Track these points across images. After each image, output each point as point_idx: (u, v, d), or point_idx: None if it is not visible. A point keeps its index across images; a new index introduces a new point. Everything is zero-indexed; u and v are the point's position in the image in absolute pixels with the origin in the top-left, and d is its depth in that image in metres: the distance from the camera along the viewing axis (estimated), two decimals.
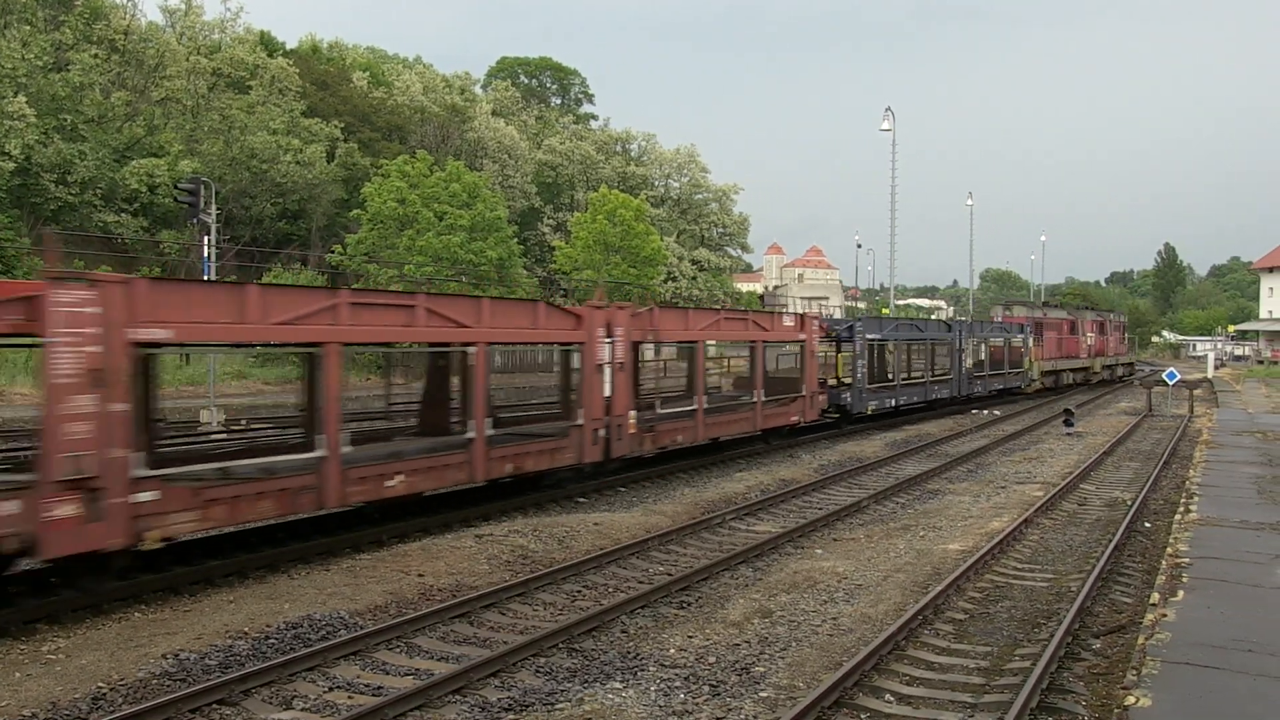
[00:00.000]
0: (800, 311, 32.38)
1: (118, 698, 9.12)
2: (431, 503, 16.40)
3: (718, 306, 28.57)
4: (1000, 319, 48.52)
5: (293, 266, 48.75)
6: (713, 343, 25.74)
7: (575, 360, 18.98)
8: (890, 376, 34.51)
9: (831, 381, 31.22)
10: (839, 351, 31.78)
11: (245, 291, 12.96)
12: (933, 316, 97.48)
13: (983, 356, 41.94)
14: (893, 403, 33.97)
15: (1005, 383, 44.39)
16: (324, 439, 13.80)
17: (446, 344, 16.67)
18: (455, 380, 17.41)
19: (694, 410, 22.53)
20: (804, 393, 27.24)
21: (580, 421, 18.67)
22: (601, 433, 19.15)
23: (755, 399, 25.01)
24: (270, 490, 13.14)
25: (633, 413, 20.13)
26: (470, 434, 16.25)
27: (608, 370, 19.25)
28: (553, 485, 19.21)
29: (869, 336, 32.37)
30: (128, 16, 49.59)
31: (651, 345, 23.21)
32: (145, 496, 11.54)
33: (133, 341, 11.47)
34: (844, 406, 31.10)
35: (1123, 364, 61.92)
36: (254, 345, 14.25)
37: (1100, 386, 57.82)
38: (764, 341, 25.76)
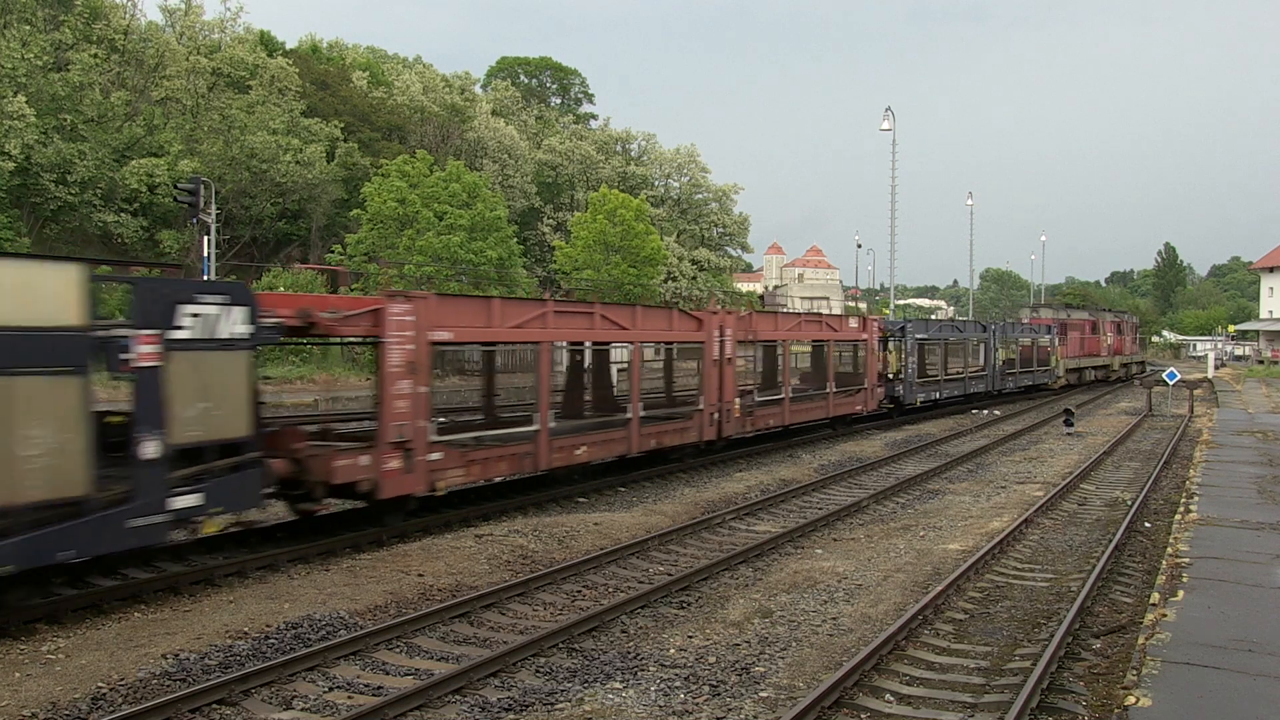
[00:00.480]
0: (864, 314, 38.31)
1: (118, 698, 9.12)
2: (431, 502, 16.39)
3: (800, 312, 34.19)
4: (1028, 320, 51.62)
5: (292, 267, 48.77)
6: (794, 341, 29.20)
7: (698, 355, 23.26)
8: (934, 372, 37.92)
9: (889, 376, 34.71)
10: (890, 349, 34.84)
11: (491, 304, 17.41)
12: (933, 316, 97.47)
13: (1013, 355, 45.46)
14: (937, 395, 37.58)
15: (1034, 379, 47.70)
16: (538, 416, 17.86)
17: (612, 343, 21.13)
18: (619, 371, 22.89)
19: (780, 399, 26.78)
20: (866, 385, 31.36)
21: (701, 407, 22.71)
22: (715, 416, 23.09)
23: (828, 390, 29.48)
24: (506, 455, 17.28)
25: (737, 400, 24.12)
26: (629, 415, 20.45)
27: (721, 364, 23.25)
28: (677, 459, 22.92)
29: (918, 336, 36.22)
30: (128, 16, 49.57)
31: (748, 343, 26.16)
32: (435, 456, 15.63)
33: (431, 341, 15.61)
34: (897, 398, 34.60)
35: (1135, 362, 65.83)
36: (496, 344, 19.12)
37: (1100, 386, 58.34)
38: (834, 340, 30.19)
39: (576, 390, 22.48)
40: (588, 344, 20.72)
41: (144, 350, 11.25)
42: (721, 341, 23.27)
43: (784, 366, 27.29)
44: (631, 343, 20.54)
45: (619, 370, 23.11)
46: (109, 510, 10.81)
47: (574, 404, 22.06)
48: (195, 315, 11.84)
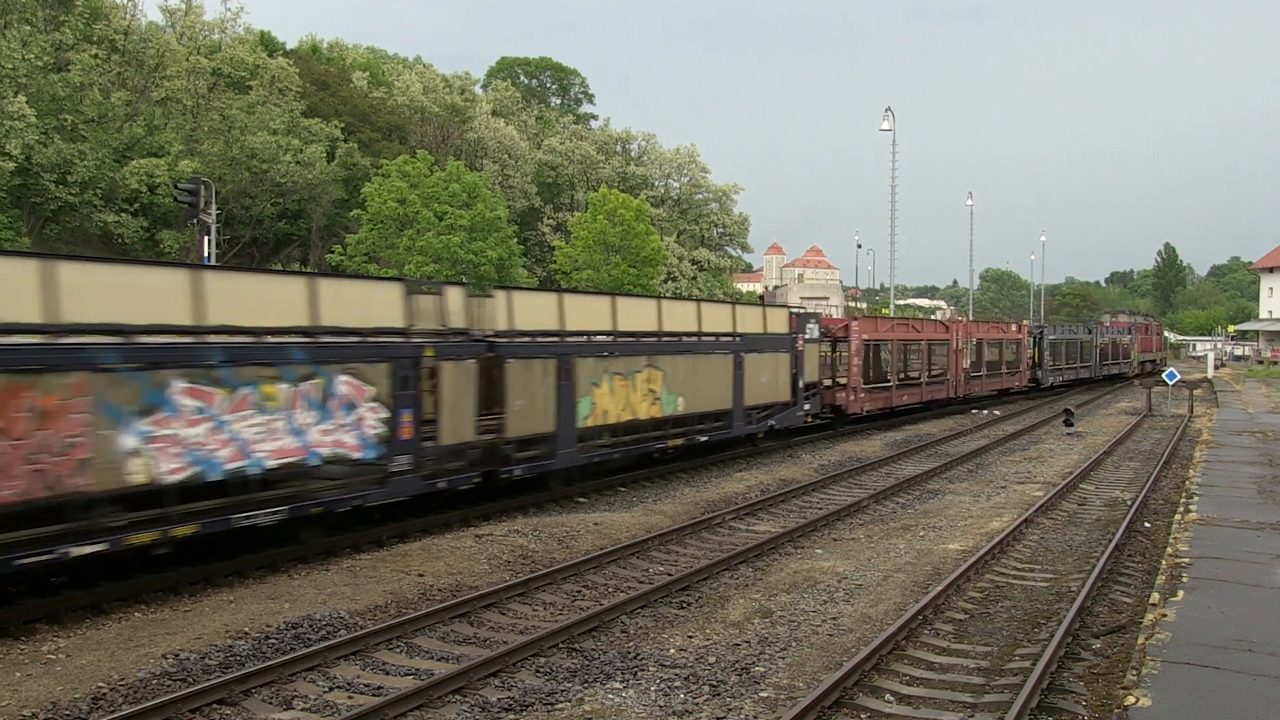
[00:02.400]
0: (1022, 321, 55.72)
1: (118, 698, 9.13)
2: (432, 502, 16.39)
3: (991, 322, 53.70)
4: (1109, 323, 67.37)
5: (292, 266, 48.72)
6: (976, 339, 43.48)
7: (943, 350, 39.48)
8: (1060, 363, 52.89)
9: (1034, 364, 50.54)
10: (1034, 346, 50.16)
11: (894, 322, 34.00)
12: (933, 316, 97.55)
13: (1106, 349, 60.42)
14: (1062, 378, 53.32)
15: (1120, 369, 63.31)
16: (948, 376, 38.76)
17: (939, 340, 39.28)
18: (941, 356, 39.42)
19: (980, 375, 43.08)
20: (1021, 369, 47.78)
21: (949, 377, 39.48)
22: (955, 383, 39.88)
23: (1003, 371, 45.92)
24: (887, 396, 34.25)
25: (963, 374, 40.76)
26: (946, 377, 39.34)
27: (955, 354, 40.05)
28: (939, 407, 39.58)
29: (1050, 337, 51.88)
30: (128, 16, 49.53)
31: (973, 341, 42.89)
32: (864, 394, 32.25)
33: (864, 340, 32.22)
34: (1038, 379, 50.22)
35: (1161, 357, 79.59)
36: (895, 341, 35.26)
37: (1100, 386, 59.05)
38: (1005, 340, 46.74)
39: (920, 365, 37.92)
40: (925, 342, 38.01)
41: (803, 344, 27.35)
42: (957, 340, 40.14)
43: (984, 356, 43.51)
44: (950, 340, 39.88)
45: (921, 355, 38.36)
46: (789, 408, 26.66)
47: (918, 372, 37.78)
48: (809, 331, 28.02)
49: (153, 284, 12.51)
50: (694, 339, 22.57)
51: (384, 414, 14.66)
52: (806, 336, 27.83)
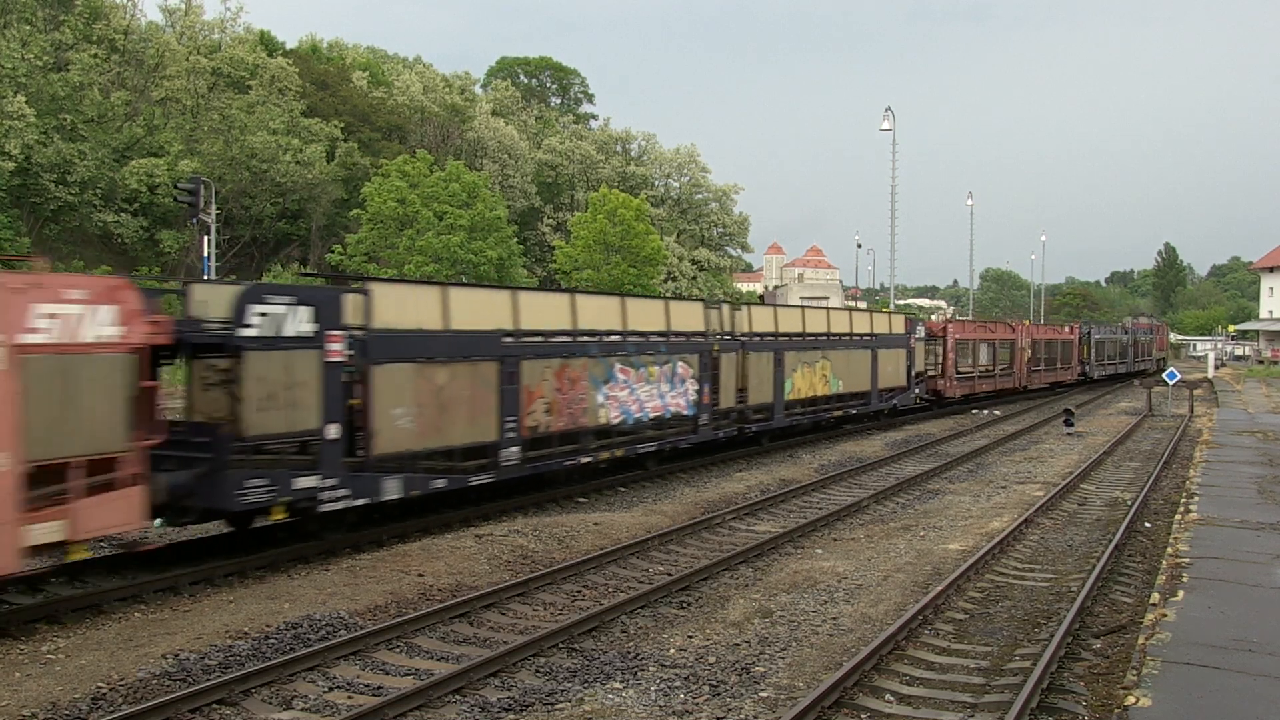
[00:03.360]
0: (1073, 323, 62.93)
1: (118, 698, 9.12)
2: (433, 503, 16.38)
3: (1047, 325, 65.92)
4: (1132, 325, 75.11)
5: (291, 266, 48.74)
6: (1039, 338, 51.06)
7: (1012, 348, 46.20)
8: (1101, 359, 60.31)
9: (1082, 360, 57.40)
10: (1084, 344, 57.42)
11: (986, 324, 44.05)
12: (934, 316, 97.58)
13: (1135, 347, 68.49)
14: (1104, 372, 60.85)
15: (1143, 365, 69.43)
16: (1014, 369, 46.02)
17: (1008, 340, 45.61)
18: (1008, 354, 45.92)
19: (1039, 369, 49.89)
20: (1073, 364, 54.83)
21: (1014, 371, 45.93)
22: (1021, 375, 46.55)
23: (1058, 366, 53.07)
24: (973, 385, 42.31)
25: (1025, 367, 47.34)
26: (1017, 371, 46.25)
27: (1019, 350, 46.53)
28: (1005, 393, 46.01)
29: (1095, 336, 59.67)
30: (128, 16, 49.54)
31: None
32: (958, 382, 40.47)
33: (956, 339, 39.98)
34: (1086, 373, 57.47)
35: (1161, 357, 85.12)
36: (984, 341, 44.09)
37: (1101, 386, 59.36)
38: (1059, 340, 53.74)
39: (994, 359, 44.71)
40: (998, 341, 44.95)
41: (914, 342, 34.77)
42: (1021, 340, 47.06)
43: (1042, 353, 50.54)
44: (1019, 340, 46.55)
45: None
46: (906, 391, 34.01)
47: (993, 366, 44.40)
48: (918, 332, 35.65)
49: (600, 304, 20.76)
50: (848, 338, 30.17)
51: (695, 386, 22.35)
52: (916, 336, 35.75)
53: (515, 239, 51.76)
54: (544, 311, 18.45)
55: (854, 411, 30.71)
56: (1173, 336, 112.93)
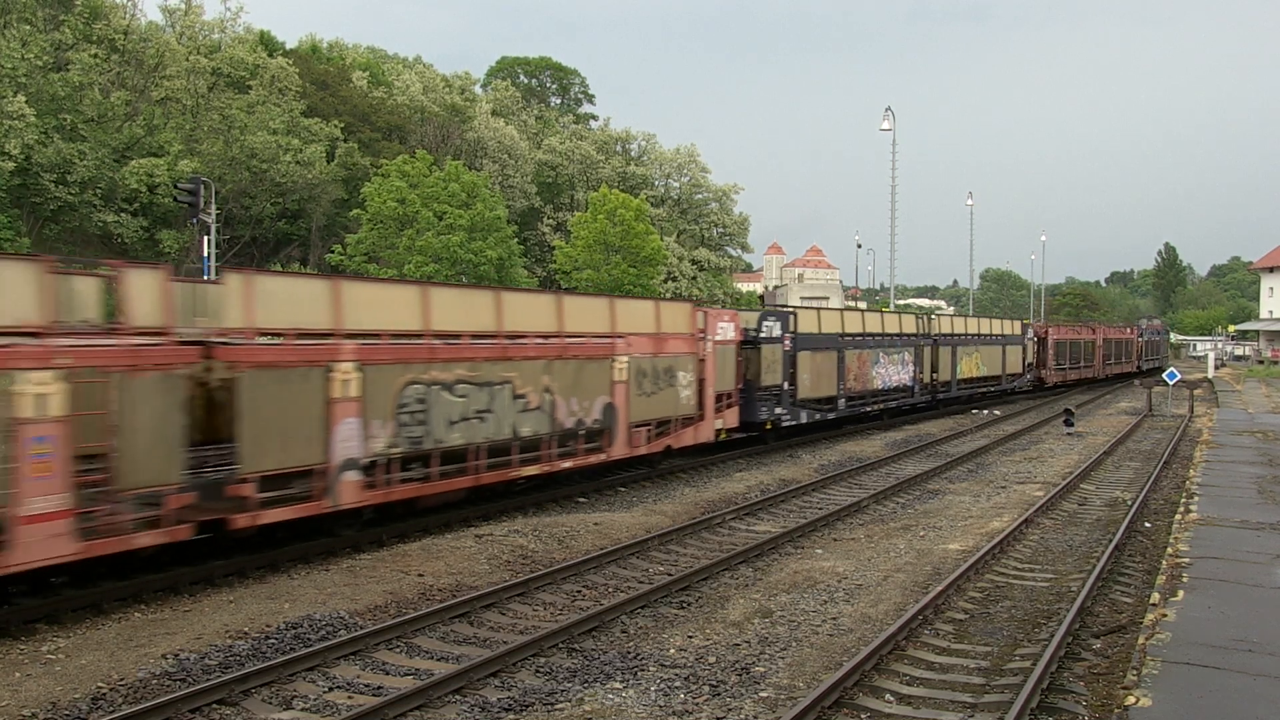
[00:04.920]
0: (1133, 324, 75.94)
1: (118, 698, 9.12)
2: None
3: (1110, 324, 73.94)
4: (1146, 325, 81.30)
5: (291, 266, 48.71)
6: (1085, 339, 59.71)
7: (1091, 345, 58.20)
8: (1147, 355, 71.88)
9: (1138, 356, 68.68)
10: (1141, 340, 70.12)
11: (1081, 327, 54.81)
12: (934, 316, 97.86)
13: (1159, 345, 78.79)
14: (1150, 365, 70.58)
15: (1158, 361, 75.54)
16: (1094, 362, 58.33)
17: (1089, 339, 58.10)
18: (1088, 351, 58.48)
19: (1110, 361, 60.20)
20: (1133, 358, 65.44)
21: (1093, 364, 57.59)
22: (1103, 367, 59.22)
23: (1123, 360, 63.34)
24: (1079, 374, 57.27)
25: (1100, 361, 59.29)
26: (1095, 364, 58.48)
27: (1098, 347, 58.20)
28: (1075, 385, 56.37)
29: (1144, 338, 71.51)
30: (128, 16, 49.50)
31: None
32: (1056, 370, 53.10)
33: (1055, 340, 52.09)
34: (1140, 367, 68.03)
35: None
36: (1082, 341, 56.83)
37: (1101, 386, 59.45)
38: (1118, 339, 63.71)
39: (1079, 355, 55.34)
40: (1082, 340, 55.86)
41: (1026, 341, 48.21)
42: (1099, 339, 57.91)
43: (1111, 350, 60.77)
44: (1097, 340, 57.79)
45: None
46: (1022, 377, 47.72)
47: (1078, 359, 54.52)
48: (1028, 333, 49.25)
49: (874, 317, 34.37)
50: (990, 336, 44.06)
51: (912, 368, 35.40)
52: (1027, 336, 48.62)
53: (515, 239, 51.75)
54: (853, 321, 32.70)
55: (994, 390, 44.74)
56: (1173, 337, 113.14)
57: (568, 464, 18.62)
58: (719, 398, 23.57)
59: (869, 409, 32.60)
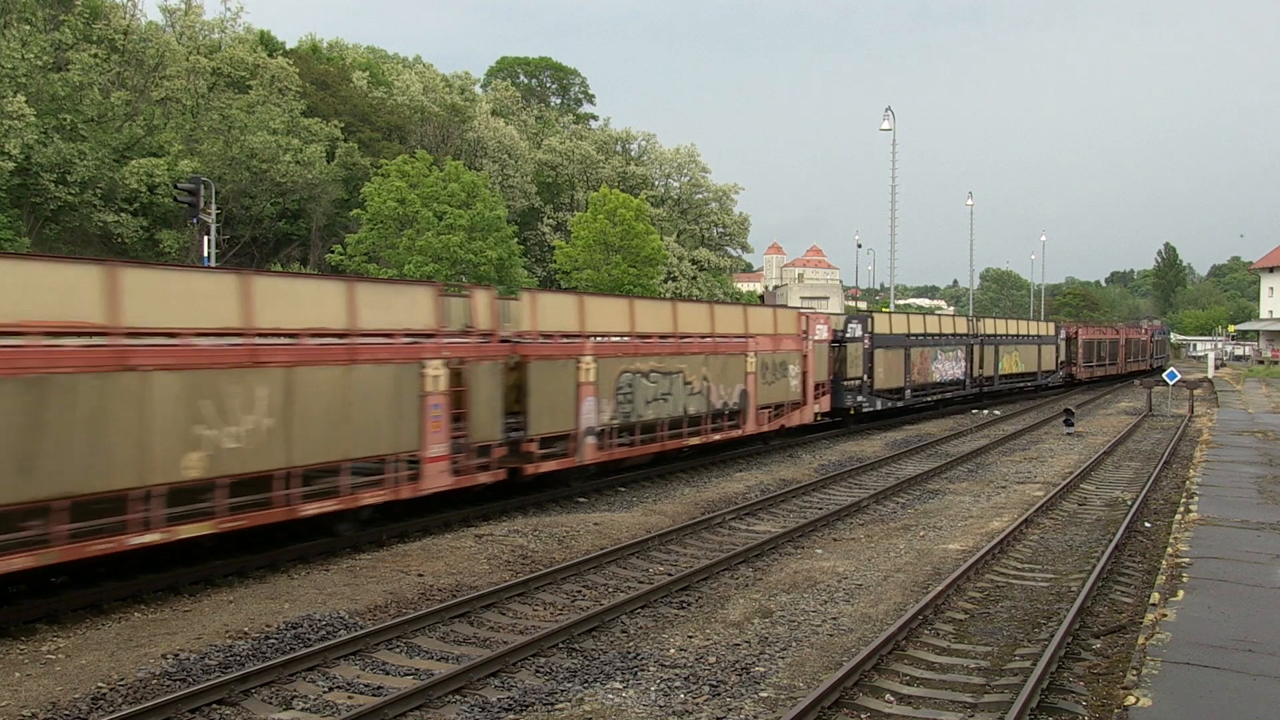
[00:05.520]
0: (1148, 324, 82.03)
1: (118, 698, 9.12)
2: (433, 503, 16.38)
3: (1127, 325, 78.94)
4: (1145, 326, 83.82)
5: (292, 266, 48.70)
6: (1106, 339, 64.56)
7: (1115, 344, 64.48)
8: (1156, 353, 75.55)
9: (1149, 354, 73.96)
10: (1152, 341, 74.99)
11: (1104, 327, 64.58)
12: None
13: (1154, 343, 79.04)
14: (1159, 362, 72.30)
15: (1163, 361, 76.35)
16: (1118, 360, 64.71)
17: (1112, 338, 64.14)
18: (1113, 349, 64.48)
19: (1128, 358, 65.79)
20: (1148, 356, 69.67)
21: (1117, 361, 64.31)
22: (1125, 362, 66.07)
23: (1138, 358, 68.55)
24: (1105, 371, 62.45)
25: (1125, 360, 66.89)
26: (1119, 361, 64.93)
27: (1123, 346, 65.55)
28: (1101, 381, 61.54)
29: (1157, 337, 76.98)
30: (128, 16, 49.49)
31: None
32: (1083, 369, 59.60)
33: (1084, 340, 57.89)
34: (1153, 364, 70.50)
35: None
36: (1106, 340, 62.99)
37: (1101, 385, 59.52)
38: (1134, 339, 67.76)
39: (1105, 352, 61.55)
40: (1106, 339, 61.55)
41: (1058, 341, 54.09)
42: (1123, 338, 64.63)
43: (1131, 348, 66.22)
44: (1118, 339, 64.53)
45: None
46: (1056, 373, 53.64)
47: (1105, 357, 60.52)
48: (1061, 333, 55.31)
49: (936, 320, 41.26)
50: (1028, 336, 49.94)
51: (964, 364, 40.62)
52: (1060, 336, 54.07)
53: (515, 239, 51.72)
54: (916, 323, 37.85)
55: (1035, 384, 50.65)
56: (1173, 336, 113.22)
57: (718, 436, 23.49)
58: (817, 387, 28.84)
59: (929, 398, 38.19)
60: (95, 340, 11.24)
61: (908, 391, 35.26)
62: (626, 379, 19.99)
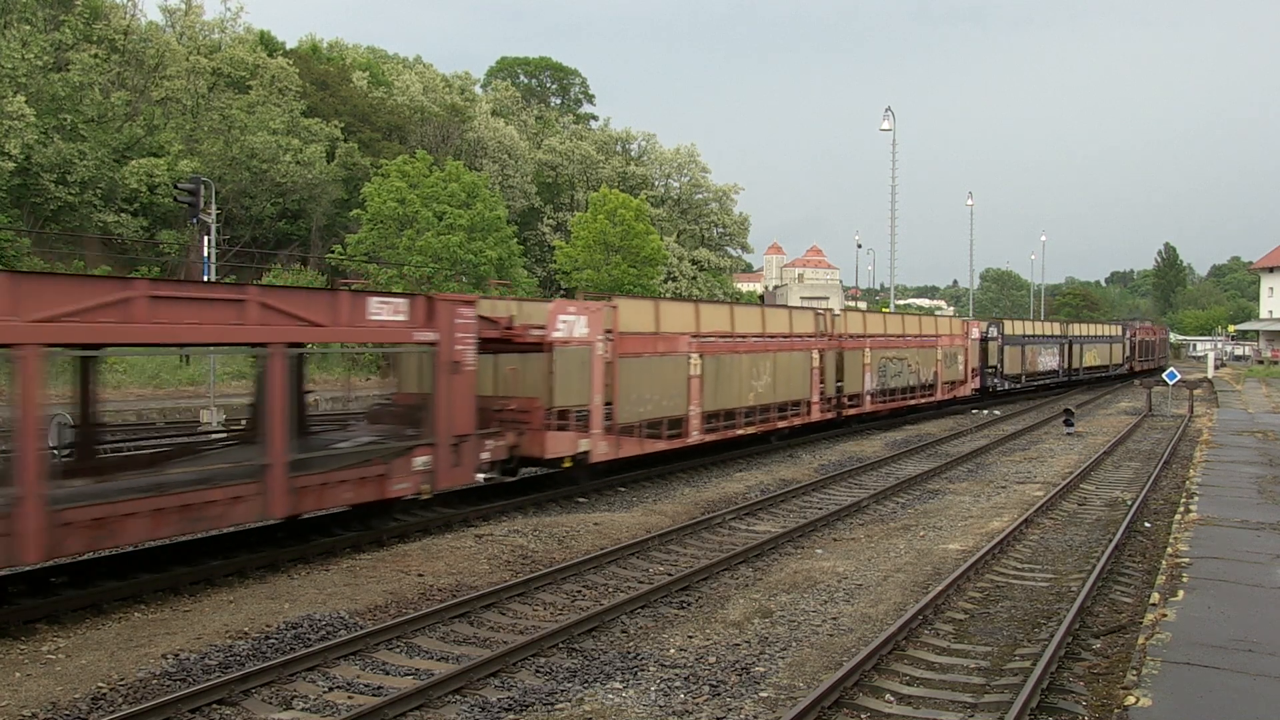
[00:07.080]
0: (1159, 325, 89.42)
1: (118, 698, 9.12)
2: (432, 502, 16.38)
3: (1141, 325, 79.79)
4: (1140, 327, 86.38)
5: (292, 266, 48.74)
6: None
7: (1152, 342, 76.40)
8: (1160, 351, 79.43)
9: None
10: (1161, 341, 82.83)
11: (1143, 328, 76.18)
12: (935, 314, 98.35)
13: (1155, 343, 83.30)
14: (1157, 362, 75.70)
15: (1159, 362, 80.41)
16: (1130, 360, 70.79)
17: (1150, 338, 75.78)
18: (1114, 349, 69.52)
19: (1154, 357, 74.92)
20: (1162, 355, 77.49)
21: (1119, 362, 69.43)
22: (1122, 361, 69.60)
23: (1148, 356, 72.82)
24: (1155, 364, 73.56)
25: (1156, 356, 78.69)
26: (1154, 356, 76.24)
27: (1127, 345, 67.94)
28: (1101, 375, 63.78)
29: (1133, 338, 75.94)
30: (128, 16, 49.53)
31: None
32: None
33: (1139, 339, 72.02)
34: (1162, 363, 72.06)
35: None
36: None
37: (1101, 386, 59.77)
38: (1146, 339, 73.08)
39: (1145, 350, 73.23)
40: (1142, 338, 70.03)
41: (1123, 340, 67.15)
42: (1156, 336, 77.77)
43: (1159, 347, 75.98)
44: (1153, 339, 76.18)
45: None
46: (1120, 367, 66.89)
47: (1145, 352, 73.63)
48: (1125, 332, 69.86)
49: (1030, 323, 53.01)
50: (1103, 336, 61.14)
51: (1058, 358, 52.57)
52: (1126, 335, 65.07)
53: (515, 239, 51.74)
54: (1027, 326, 48.53)
55: (1102, 375, 60.23)
56: (1173, 336, 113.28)
57: (921, 400, 36.04)
58: (972, 371, 40.61)
59: (1035, 384, 49.21)
60: (726, 340, 24.04)
61: (1023, 377, 47.17)
62: (880, 362, 32.32)
